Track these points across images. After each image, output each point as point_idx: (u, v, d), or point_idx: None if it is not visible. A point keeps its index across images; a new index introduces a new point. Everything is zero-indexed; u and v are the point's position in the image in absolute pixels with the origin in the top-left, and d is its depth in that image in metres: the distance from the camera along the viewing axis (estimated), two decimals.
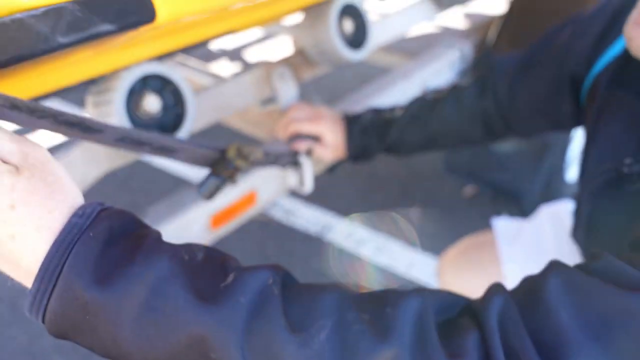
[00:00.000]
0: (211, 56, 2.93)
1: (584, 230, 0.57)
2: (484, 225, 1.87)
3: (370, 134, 0.99)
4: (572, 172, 1.67)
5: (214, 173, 0.71)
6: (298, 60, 1.17)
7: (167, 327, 0.38)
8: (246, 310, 0.38)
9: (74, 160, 0.80)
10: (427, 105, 0.96)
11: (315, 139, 1.01)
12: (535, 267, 0.87)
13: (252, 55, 3.02)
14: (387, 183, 2.09)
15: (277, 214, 1.95)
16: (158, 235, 0.43)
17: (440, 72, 1.43)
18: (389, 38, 1.40)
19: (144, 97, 0.79)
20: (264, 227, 1.89)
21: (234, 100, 1.02)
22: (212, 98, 0.99)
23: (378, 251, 1.79)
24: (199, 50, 0.92)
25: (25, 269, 0.40)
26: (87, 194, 0.84)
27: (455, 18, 3.08)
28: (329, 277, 1.69)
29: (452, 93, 0.94)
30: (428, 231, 1.86)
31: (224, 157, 0.74)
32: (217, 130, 1.43)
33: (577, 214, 0.59)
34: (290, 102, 1.12)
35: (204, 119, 0.96)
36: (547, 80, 0.77)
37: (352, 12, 1.11)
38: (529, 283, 0.43)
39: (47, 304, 0.39)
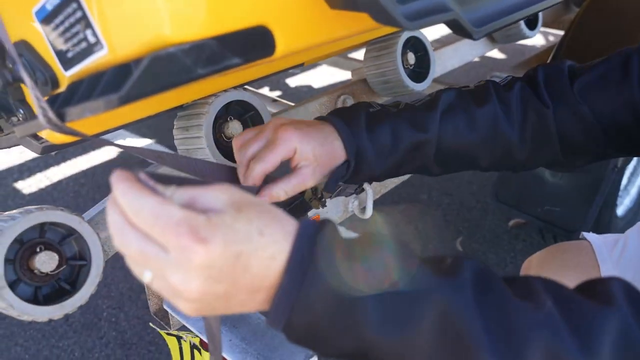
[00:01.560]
0: (272, 82, 3.01)
1: None
2: (529, 256, 1.87)
3: (384, 125, 0.69)
4: (623, 207, 1.66)
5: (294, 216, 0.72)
6: (360, 89, 1.20)
7: (408, 301, 0.41)
8: (471, 283, 0.43)
9: None
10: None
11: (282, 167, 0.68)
12: (636, 273, 0.88)
13: (315, 83, 3.09)
14: (429, 212, 2.10)
15: None
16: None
17: None
18: (444, 71, 1.44)
19: (228, 121, 0.83)
20: None
21: None
22: None
23: None
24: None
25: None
26: None
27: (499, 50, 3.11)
28: None
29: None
30: None
31: (302, 199, 0.75)
32: None
33: None
34: None
35: None
36: (621, 103, 0.71)
37: (416, 44, 1.15)
38: None
39: (299, 293, 0.41)
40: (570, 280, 0.96)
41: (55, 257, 0.66)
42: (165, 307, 0.81)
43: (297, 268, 0.41)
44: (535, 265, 1.03)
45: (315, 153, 0.65)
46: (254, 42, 0.51)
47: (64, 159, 2.49)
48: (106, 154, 2.53)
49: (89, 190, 2.26)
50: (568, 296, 0.44)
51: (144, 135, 2.63)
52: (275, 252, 0.41)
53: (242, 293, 0.42)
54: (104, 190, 2.24)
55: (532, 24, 1.53)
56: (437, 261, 0.45)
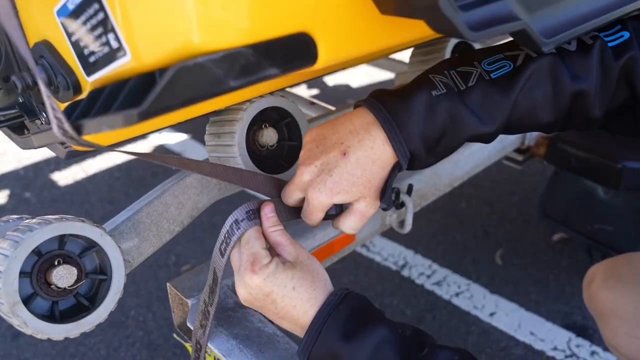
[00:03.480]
0: (309, 80, 2.96)
1: None
2: (574, 275, 1.77)
3: (442, 118, 0.58)
4: None
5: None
6: None
7: None
8: None
9: (188, 189, 0.79)
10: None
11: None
12: None
13: (353, 82, 3.03)
14: (467, 221, 2.01)
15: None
16: (382, 313, 0.61)
17: None
18: None
19: (262, 129, 0.78)
20: (341, 260, 1.85)
21: None
22: None
23: (459, 294, 1.72)
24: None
25: (300, 325, 0.60)
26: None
27: None
28: (406, 315, 1.63)
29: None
30: (512, 277, 1.77)
31: None
32: None
33: None
34: None
35: None
36: None
37: (465, 49, 1.08)
38: None
39: (311, 350, 0.58)
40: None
41: (74, 271, 0.62)
42: (188, 324, 0.77)
43: (312, 335, 0.59)
44: (601, 275, 0.95)
45: (361, 193, 0.61)
46: (294, 51, 0.45)
47: (100, 151, 2.49)
48: (142, 149, 2.52)
49: (123, 184, 2.25)
50: None
51: (177, 129, 2.62)
52: (297, 305, 0.60)
53: (271, 314, 0.62)
54: (137, 185, 2.23)
55: None
56: (418, 347, 0.57)
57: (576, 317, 1.62)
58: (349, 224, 0.64)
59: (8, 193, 2.22)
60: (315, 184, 0.60)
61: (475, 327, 1.60)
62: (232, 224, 0.64)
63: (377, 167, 0.60)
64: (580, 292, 1.07)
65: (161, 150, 2.51)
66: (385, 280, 1.77)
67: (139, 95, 0.39)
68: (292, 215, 0.69)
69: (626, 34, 0.58)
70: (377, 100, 0.60)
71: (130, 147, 2.52)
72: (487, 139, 0.62)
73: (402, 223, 1.07)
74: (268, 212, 0.64)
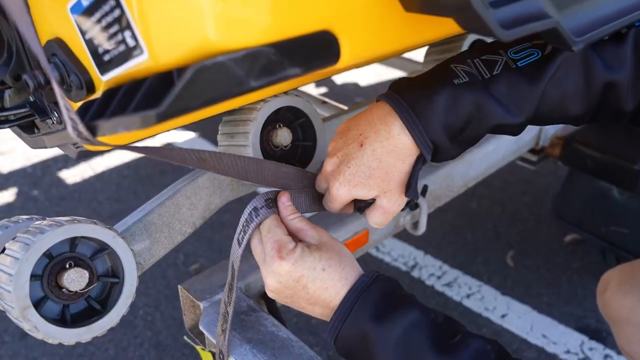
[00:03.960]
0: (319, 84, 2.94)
1: None
2: (587, 277, 1.75)
3: (467, 107, 0.56)
4: None
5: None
6: None
7: (410, 358, 0.54)
8: None
9: (200, 189, 0.78)
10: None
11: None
12: None
13: (362, 80, 3.01)
14: (478, 222, 1.99)
15: None
16: (414, 297, 0.59)
17: None
18: None
19: (276, 129, 0.76)
20: None
21: None
22: (333, 129, 0.95)
23: (470, 296, 1.70)
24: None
25: (331, 308, 0.59)
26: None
27: None
28: None
29: None
30: (523, 279, 1.74)
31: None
32: None
33: None
34: None
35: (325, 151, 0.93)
36: None
37: None
38: None
39: (340, 329, 0.57)
40: None
41: (86, 274, 0.60)
42: (201, 327, 0.76)
43: (342, 314, 0.58)
44: (616, 281, 0.93)
45: (380, 187, 0.60)
46: (316, 50, 0.43)
47: (109, 149, 2.48)
48: None
49: (131, 182, 2.24)
50: None
51: (184, 127, 2.61)
52: (329, 286, 0.59)
53: (303, 301, 0.60)
54: (145, 183, 2.22)
55: None
56: (450, 334, 0.55)
57: (589, 319, 1.60)
58: (373, 218, 0.64)
59: (16, 191, 2.22)
60: (335, 174, 0.61)
61: (487, 329, 1.58)
62: (250, 211, 0.64)
63: (394, 159, 0.59)
64: (593, 295, 1.05)
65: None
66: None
67: (156, 95, 0.38)
68: (312, 207, 0.69)
69: None
70: (395, 91, 0.59)
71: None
72: (514, 130, 0.60)
73: (415, 225, 1.05)
74: (285, 201, 0.64)
